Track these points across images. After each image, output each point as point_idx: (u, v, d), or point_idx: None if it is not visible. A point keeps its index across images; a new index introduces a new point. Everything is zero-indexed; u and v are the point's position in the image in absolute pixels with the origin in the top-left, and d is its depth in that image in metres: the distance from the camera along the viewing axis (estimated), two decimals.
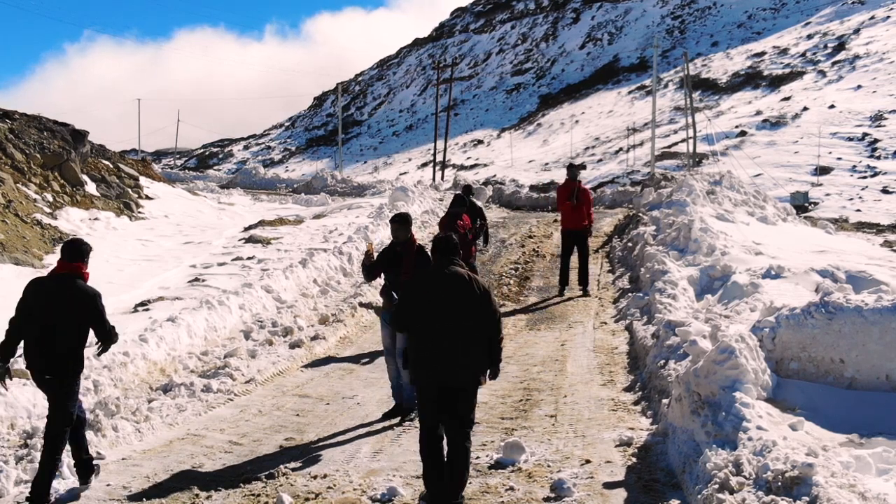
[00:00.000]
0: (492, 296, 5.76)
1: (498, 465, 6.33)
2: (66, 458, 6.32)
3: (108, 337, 6.08)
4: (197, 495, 5.94)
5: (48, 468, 5.70)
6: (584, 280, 13.65)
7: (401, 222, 7.87)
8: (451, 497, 5.55)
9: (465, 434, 5.61)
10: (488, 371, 5.78)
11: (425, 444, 5.63)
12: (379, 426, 7.49)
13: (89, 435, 6.77)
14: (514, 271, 15.45)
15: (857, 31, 79.38)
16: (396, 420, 7.62)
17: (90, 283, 6.04)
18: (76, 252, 5.97)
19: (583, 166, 15.61)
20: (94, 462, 6.14)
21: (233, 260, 16.52)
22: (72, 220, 18.93)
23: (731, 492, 5.02)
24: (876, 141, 50.30)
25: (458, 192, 14.55)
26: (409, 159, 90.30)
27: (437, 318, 5.59)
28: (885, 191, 42.19)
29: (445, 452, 5.62)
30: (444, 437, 5.64)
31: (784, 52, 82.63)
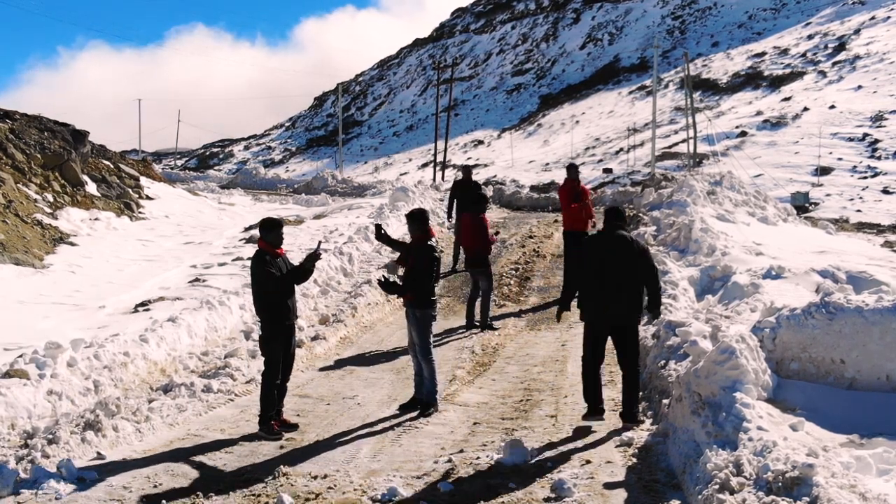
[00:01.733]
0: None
1: (498, 466, 6.32)
2: (67, 458, 6.32)
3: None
4: (197, 495, 5.94)
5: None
6: None
7: (410, 219, 8.09)
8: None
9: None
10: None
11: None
12: (379, 427, 7.49)
13: (89, 435, 6.78)
14: (514, 271, 15.45)
15: (857, 32, 79.38)
16: (415, 413, 7.71)
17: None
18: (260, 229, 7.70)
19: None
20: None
21: (233, 260, 16.53)
22: (72, 221, 18.94)
23: (732, 492, 5.02)
24: (876, 141, 50.30)
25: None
26: (410, 159, 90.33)
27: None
28: (885, 191, 42.18)
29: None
30: None
31: (784, 52, 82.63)
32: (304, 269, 7.47)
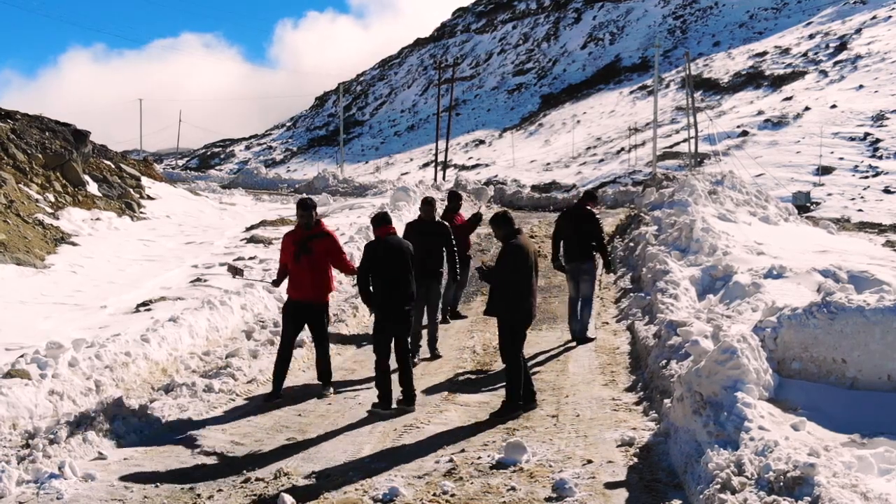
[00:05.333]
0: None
1: (500, 465, 6.32)
2: (68, 458, 6.33)
3: None
4: (199, 495, 5.94)
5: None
6: None
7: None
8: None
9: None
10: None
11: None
12: (380, 426, 7.49)
13: (91, 435, 6.78)
14: None
15: (858, 31, 79.39)
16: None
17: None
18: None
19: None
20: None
21: (234, 260, 16.52)
22: (73, 221, 18.95)
23: (733, 492, 5.02)
24: (878, 141, 50.31)
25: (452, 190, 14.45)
26: (411, 159, 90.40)
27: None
28: (886, 191, 42.18)
29: None
30: None
31: (786, 51, 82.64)
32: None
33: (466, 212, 14.41)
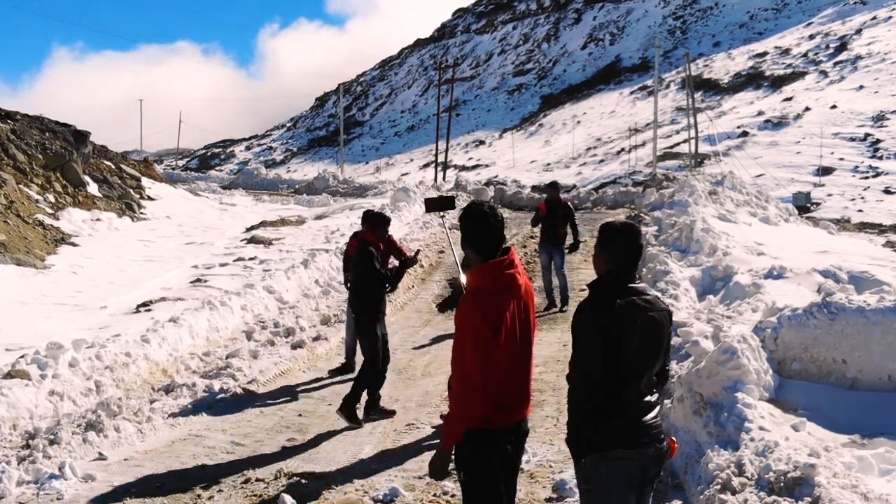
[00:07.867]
0: None
1: None
2: (69, 458, 6.33)
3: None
4: (199, 496, 5.94)
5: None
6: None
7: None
8: None
9: None
10: None
11: None
12: (381, 427, 7.49)
13: (91, 435, 6.78)
14: None
15: (858, 32, 79.38)
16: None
17: None
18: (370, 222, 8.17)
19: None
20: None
21: (235, 260, 16.54)
22: (74, 221, 18.96)
23: (734, 492, 5.02)
24: (878, 141, 50.29)
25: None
26: (411, 160, 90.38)
27: None
28: (887, 191, 42.16)
29: None
30: None
31: (786, 52, 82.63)
32: (399, 272, 8.06)
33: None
